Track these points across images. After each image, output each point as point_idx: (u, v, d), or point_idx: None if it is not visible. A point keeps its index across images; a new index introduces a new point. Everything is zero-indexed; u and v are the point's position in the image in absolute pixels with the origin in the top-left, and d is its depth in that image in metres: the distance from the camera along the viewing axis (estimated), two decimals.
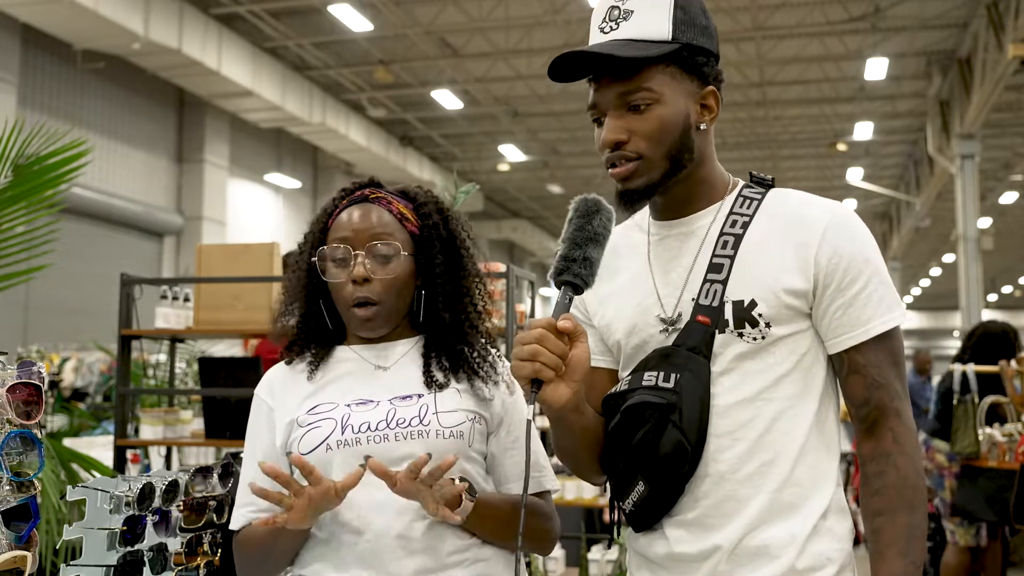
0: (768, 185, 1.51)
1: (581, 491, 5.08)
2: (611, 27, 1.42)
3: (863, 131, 18.60)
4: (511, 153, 20.34)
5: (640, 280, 1.50)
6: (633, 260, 1.53)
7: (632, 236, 1.56)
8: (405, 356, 1.64)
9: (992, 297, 38.24)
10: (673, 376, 1.39)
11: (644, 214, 1.55)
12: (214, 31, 13.35)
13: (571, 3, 12.99)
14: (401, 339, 1.66)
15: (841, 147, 19.15)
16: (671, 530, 1.43)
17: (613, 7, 1.43)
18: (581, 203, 1.37)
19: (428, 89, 16.63)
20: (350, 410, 1.56)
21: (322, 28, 14.30)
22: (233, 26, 14.01)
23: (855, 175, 21.95)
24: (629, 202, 1.44)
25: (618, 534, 1.60)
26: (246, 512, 1.62)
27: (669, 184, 1.44)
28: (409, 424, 1.54)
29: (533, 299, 4.27)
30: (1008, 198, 22.92)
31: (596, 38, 1.44)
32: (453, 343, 1.65)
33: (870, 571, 1.39)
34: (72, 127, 4.16)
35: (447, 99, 16.92)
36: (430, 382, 1.60)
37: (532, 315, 4.31)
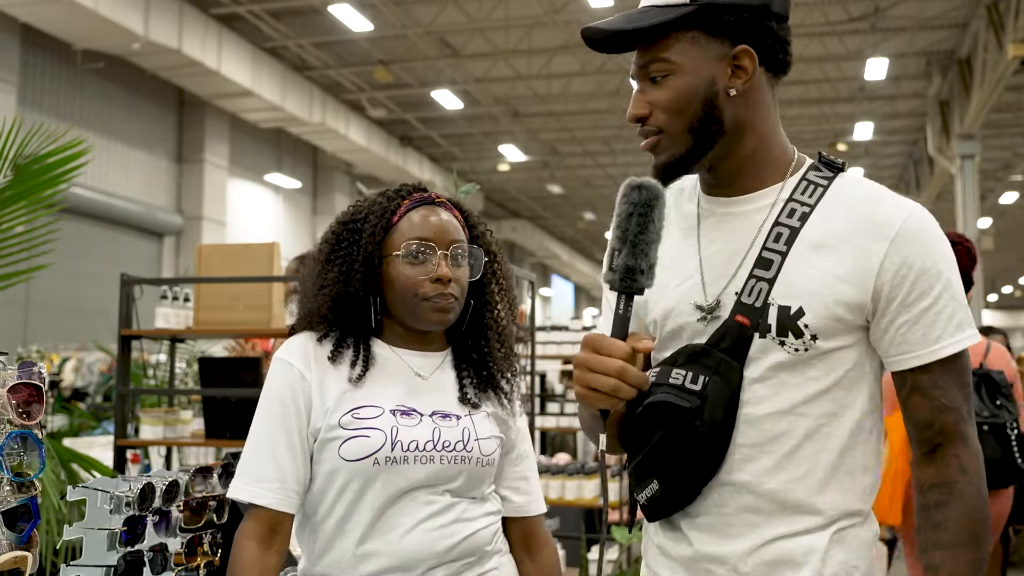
0: (838, 168, 1.39)
1: (581, 491, 5.09)
2: None
3: (863, 131, 18.61)
4: (511, 153, 20.33)
5: (686, 259, 1.40)
6: (679, 232, 1.43)
7: (683, 204, 1.45)
8: (439, 368, 1.67)
9: (992, 297, 38.24)
10: (701, 378, 1.31)
11: (696, 184, 1.44)
12: (214, 31, 13.35)
13: (571, 3, 12.99)
14: (438, 348, 1.70)
15: (841, 147, 19.15)
16: (692, 532, 1.36)
17: None
18: (638, 192, 1.25)
19: (428, 89, 16.63)
20: (396, 421, 1.57)
21: (322, 28, 14.30)
22: (233, 26, 14.01)
23: (855, 175, 21.93)
24: (663, 178, 1.35)
25: (634, 521, 1.59)
26: (269, 490, 1.56)
27: (702, 160, 1.35)
28: (454, 448, 1.58)
29: (533, 299, 4.27)
30: (1008, 198, 22.93)
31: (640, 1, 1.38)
32: (483, 362, 1.69)
33: None
34: (72, 127, 4.16)
35: (447, 99, 16.92)
36: (465, 399, 1.64)
37: (532, 315, 4.31)
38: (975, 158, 14.76)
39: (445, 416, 1.61)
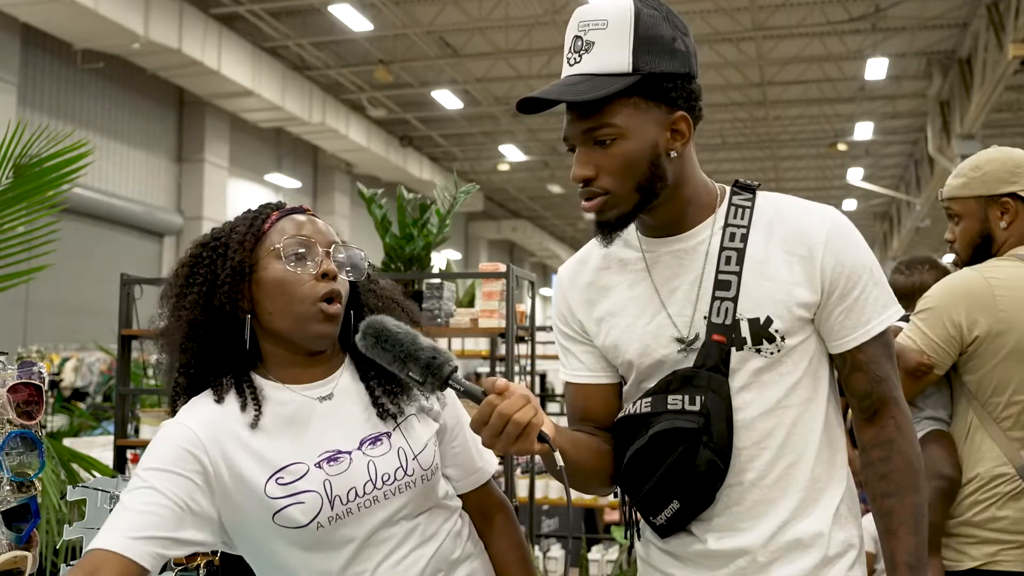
0: (754, 189, 1.54)
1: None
2: (575, 59, 1.42)
3: (863, 131, 18.60)
4: (511, 153, 20.34)
5: (645, 298, 1.51)
6: (628, 276, 1.54)
7: (620, 252, 1.56)
8: (341, 381, 1.53)
9: None
10: (698, 399, 1.44)
11: (630, 230, 1.53)
12: (214, 31, 13.35)
13: (571, 3, 12.99)
14: (334, 366, 1.54)
15: (841, 147, 19.15)
16: (707, 533, 1.49)
17: (576, 37, 1.42)
18: (363, 337, 1.33)
19: (428, 89, 16.64)
20: (325, 473, 1.42)
21: (322, 28, 14.30)
22: (233, 26, 14.01)
23: (855, 175, 21.96)
24: (605, 232, 1.47)
25: (639, 536, 1.60)
26: (143, 546, 1.30)
27: (645, 212, 1.46)
28: (394, 478, 1.47)
29: (533, 299, 4.27)
30: None
31: (564, 69, 1.44)
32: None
33: (881, 546, 1.49)
34: (73, 127, 4.16)
35: (447, 99, 16.92)
36: (384, 413, 1.50)
37: (532, 315, 4.31)
38: None
39: (374, 442, 1.47)
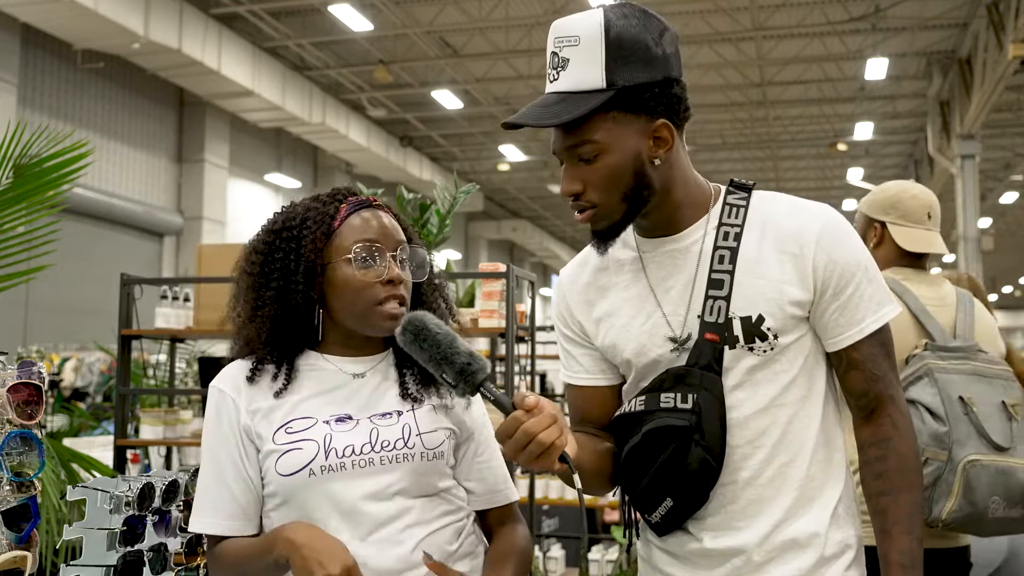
0: (749, 188, 1.54)
1: None
2: (554, 76, 1.43)
3: (863, 131, 18.61)
4: (511, 153, 20.34)
5: (641, 298, 1.53)
6: (626, 277, 1.56)
7: (618, 253, 1.57)
8: (378, 367, 1.60)
9: (992, 297, 38.20)
10: (690, 396, 1.44)
11: (628, 230, 1.54)
12: (214, 31, 13.36)
13: (571, 3, 12.99)
14: (375, 350, 1.62)
15: (841, 147, 19.16)
16: (702, 532, 1.49)
17: (553, 53, 1.43)
18: (410, 326, 1.36)
19: (428, 89, 16.64)
20: (330, 428, 1.50)
21: (322, 28, 14.30)
22: (233, 26, 14.01)
23: (855, 175, 21.96)
24: (601, 241, 1.49)
25: (638, 535, 1.62)
26: (218, 522, 1.51)
27: (638, 217, 1.48)
28: (394, 447, 1.51)
29: (533, 299, 4.26)
30: (1008, 198, 22.93)
31: (547, 86, 1.45)
32: None
33: (876, 544, 1.48)
34: (73, 127, 4.16)
35: (447, 99, 16.92)
36: (406, 395, 1.57)
37: (532, 315, 4.31)
38: (975, 158, 14.77)
39: (384, 415, 1.54)
